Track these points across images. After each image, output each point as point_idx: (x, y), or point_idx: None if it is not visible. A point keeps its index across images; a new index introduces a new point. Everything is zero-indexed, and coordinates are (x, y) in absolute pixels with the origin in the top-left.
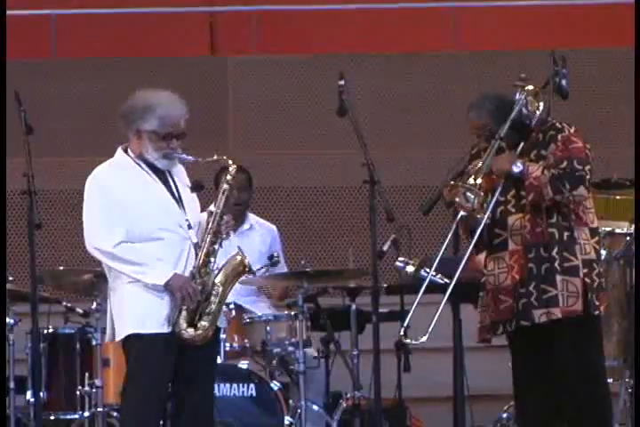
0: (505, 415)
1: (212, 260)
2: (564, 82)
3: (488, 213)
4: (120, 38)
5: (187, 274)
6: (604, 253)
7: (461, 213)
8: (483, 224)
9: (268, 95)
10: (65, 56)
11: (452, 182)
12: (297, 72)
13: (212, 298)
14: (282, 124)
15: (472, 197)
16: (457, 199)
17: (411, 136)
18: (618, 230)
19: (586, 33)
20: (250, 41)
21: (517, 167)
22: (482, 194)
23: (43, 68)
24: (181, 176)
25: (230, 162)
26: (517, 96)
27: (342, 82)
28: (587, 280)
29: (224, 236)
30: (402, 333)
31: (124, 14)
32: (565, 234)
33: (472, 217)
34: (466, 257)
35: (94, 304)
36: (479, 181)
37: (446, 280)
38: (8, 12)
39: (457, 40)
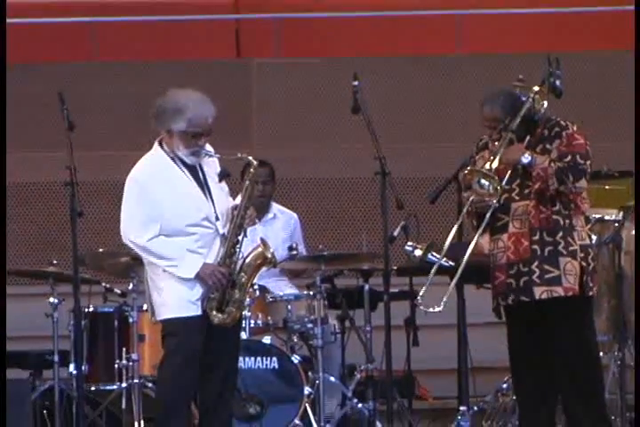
0: (505, 386)
1: (238, 250)
2: (557, 82)
3: (497, 198)
4: (155, 42)
5: (215, 263)
6: (595, 238)
7: (472, 197)
8: (492, 208)
9: (288, 94)
10: (105, 59)
11: (469, 168)
12: (315, 73)
13: (237, 286)
14: (301, 120)
15: (486, 183)
16: (473, 186)
17: (419, 132)
18: (607, 217)
19: (582, 37)
20: (272, 45)
21: (526, 158)
22: (497, 178)
23: (84, 70)
24: (212, 166)
25: (251, 159)
26: (519, 93)
27: (356, 82)
28: (583, 264)
29: (247, 227)
30: (419, 300)
31: (159, 21)
32: (566, 221)
33: (482, 202)
34: (474, 241)
35: (131, 285)
36: (495, 164)
37: (451, 263)
38: (54, 19)
39: (460, 44)
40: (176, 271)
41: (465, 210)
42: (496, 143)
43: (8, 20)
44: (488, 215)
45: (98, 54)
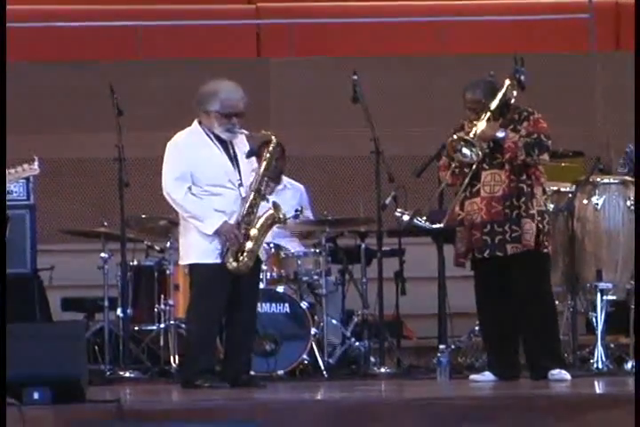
0: (477, 328)
1: (255, 210)
2: (522, 78)
3: (475, 165)
4: (189, 43)
5: (234, 220)
6: (552, 206)
7: (454, 164)
8: (469, 175)
9: (299, 87)
10: (147, 57)
11: (455, 136)
12: (322, 70)
13: (251, 239)
14: (310, 108)
15: (468, 152)
16: (455, 156)
17: (407, 118)
18: (563, 189)
19: (545, 41)
20: (287, 46)
21: (502, 133)
22: (478, 144)
23: (131, 66)
24: (241, 145)
25: (273, 137)
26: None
27: (355, 77)
28: (540, 225)
29: (266, 192)
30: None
31: (192, 25)
32: (528, 189)
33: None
34: (458, 196)
35: (168, 243)
36: (479, 130)
37: (433, 226)
38: (105, 23)
39: (443, 46)
40: (200, 226)
41: (450, 169)
42: (475, 122)
43: (69, 24)
44: (467, 180)
45: (142, 53)
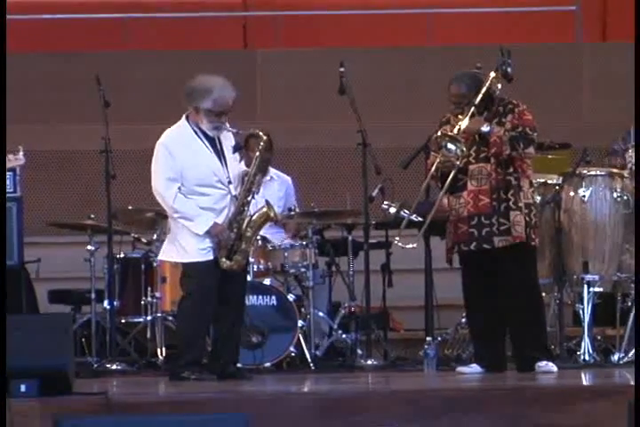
0: (463, 320)
1: (246, 209)
2: (509, 69)
3: (462, 159)
4: (176, 35)
5: (226, 220)
6: (538, 198)
7: (439, 158)
8: (456, 168)
9: (286, 78)
10: (133, 48)
11: (440, 132)
12: (309, 61)
13: (244, 238)
14: (297, 100)
15: (453, 147)
16: (441, 151)
17: (394, 110)
18: (549, 181)
19: (530, 33)
20: (274, 38)
21: (487, 127)
22: (462, 140)
23: (117, 57)
24: (228, 140)
25: (262, 134)
26: (480, 75)
27: (342, 69)
28: (527, 218)
29: (255, 190)
30: (397, 239)
31: (179, 18)
32: (515, 182)
33: (448, 162)
34: (438, 200)
35: (155, 236)
36: (463, 126)
37: (420, 219)
38: (92, 15)
39: (429, 38)
40: (191, 227)
41: (431, 172)
42: (459, 116)
43: (56, 16)
44: (452, 175)
45: (129, 45)
